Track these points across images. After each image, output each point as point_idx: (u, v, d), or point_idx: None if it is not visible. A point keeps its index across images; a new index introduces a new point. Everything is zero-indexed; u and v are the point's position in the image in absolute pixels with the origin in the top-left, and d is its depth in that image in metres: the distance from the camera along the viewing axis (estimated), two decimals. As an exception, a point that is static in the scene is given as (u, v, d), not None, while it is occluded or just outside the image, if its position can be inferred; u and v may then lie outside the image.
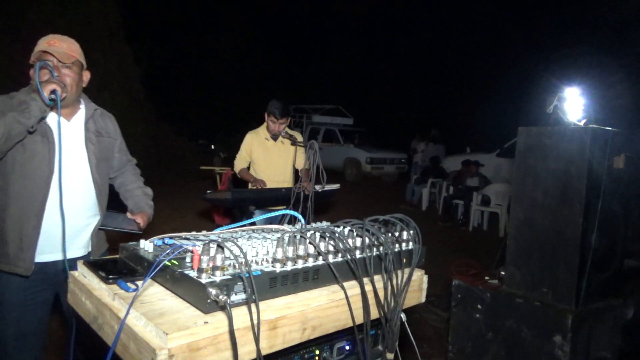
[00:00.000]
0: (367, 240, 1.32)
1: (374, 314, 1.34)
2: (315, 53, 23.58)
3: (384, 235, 1.33)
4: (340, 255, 1.27)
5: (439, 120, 16.44)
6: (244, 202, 4.02)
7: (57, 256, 2.21)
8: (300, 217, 1.37)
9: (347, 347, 1.40)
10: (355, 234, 1.34)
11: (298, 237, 1.21)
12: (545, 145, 3.13)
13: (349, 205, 11.29)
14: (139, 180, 2.69)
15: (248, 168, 4.67)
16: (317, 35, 23.31)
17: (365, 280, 1.30)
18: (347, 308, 1.23)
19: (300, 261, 1.21)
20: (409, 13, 20.09)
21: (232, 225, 1.49)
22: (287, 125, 4.55)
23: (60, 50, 2.10)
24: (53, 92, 1.93)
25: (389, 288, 1.31)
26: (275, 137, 4.57)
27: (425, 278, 1.51)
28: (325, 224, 1.55)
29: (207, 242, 1.08)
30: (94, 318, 1.19)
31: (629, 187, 3.25)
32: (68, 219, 2.04)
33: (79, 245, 2.33)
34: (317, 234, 1.27)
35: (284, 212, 1.47)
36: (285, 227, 1.39)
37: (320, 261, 1.24)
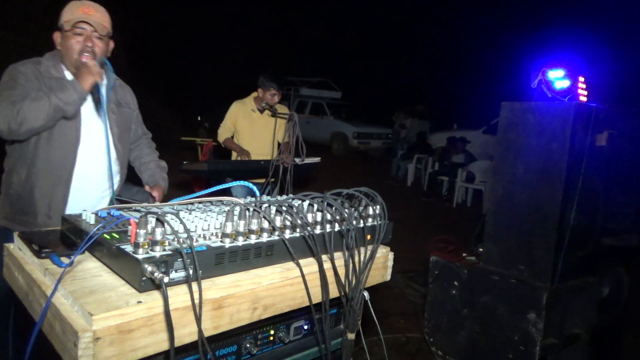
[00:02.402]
0: (327, 215, 1.23)
1: (335, 292, 1.27)
2: (305, 23, 23.12)
3: (346, 210, 1.24)
4: (298, 230, 1.19)
5: (427, 96, 16.33)
6: (220, 173, 3.92)
7: None
8: (254, 188, 1.27)
9: (306, 327, 1.33)
10: (315, 208, 1.26)
11: (251, 210, 1.12)
12: (528, 121, 3.05)
13: (333, 179, 11.21)
14: (154, 154, 2.66)
15: (232, 138, 4.56)
16: (307, 5, 22.81)
17: (326, 257, 1.22)
18: (304, 286, 1.15)
19: (253, 236, 1.12)
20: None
21: (192, 195, 1.40)
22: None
23: (97, 20, 2.08)
24: (96, 87, 1.97)
25: (350, 266, 1.24)
26: (261, 110, 4.46)
27: (390, 255, 1.44)
28: (285, 197, 1.46)
29: (144, 214, 0.99)
30: (25, 294, 1.10)
31: (610, 165, 3.20)
32: (91, 187, 2.13)
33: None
34: (273, 208, 1.18)
35: (234, 183, 1.36)
36: (240, 199, 1.30)
37: (275, 237, 1.15)
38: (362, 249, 1.29)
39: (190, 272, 0.96)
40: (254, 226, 1.12)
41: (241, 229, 1.09)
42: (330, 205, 1.24)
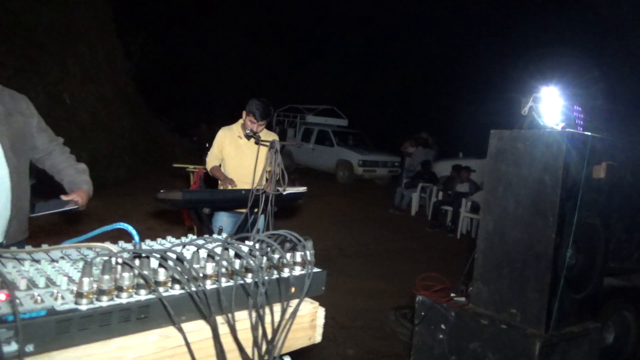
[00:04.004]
0: (225, 264, 1.00)
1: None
2: (313, 52, 23.28)
3: (253, 258, 1.02)
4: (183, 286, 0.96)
5: (433, 124, 16.14)
6: (196, 203, 3.72)
7: None
8: (133, 232, 1.06)
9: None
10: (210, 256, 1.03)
11: (118, 261, 0.90)
12: (518, 150, 2.82)
13: (335, 208, 10.98)
14: (70, 159, 2.53)
15: (220, 166, 4.38)
16: (315, 34, 23.00)
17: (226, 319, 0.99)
18: (190, 357, 0.92)
19: (124, 295, 0.90)
20: (405, 14, 19.78)
21: (78, 239, 1.18)
22: (265, 126, 4.27)
23: None
24: None
25: (260, 329, 1.00)
26: (248, 136, 4.28)
27: (320, 312, 1.20)
28: (172, 241, 1.23)
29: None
30: None
31: (610, 199, 2.95)
32: None
33: None
34: (151, 258, 0.95)
35: (115, 226, 1.13)
36: (112, 246, 1.08)
37: (153, 295, 0.93)
38: (280, 306, 1.06)
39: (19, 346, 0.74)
40: (127, 282, 0.90)
41: (107, 285, 0.87)
42: (238, 252, 1.01)
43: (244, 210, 3.93)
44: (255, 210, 3.62)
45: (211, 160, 4.29)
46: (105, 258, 0.89)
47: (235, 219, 4.17)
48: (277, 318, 1.06)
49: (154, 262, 0.97)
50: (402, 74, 20.28)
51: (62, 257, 1.12)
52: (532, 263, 2.69)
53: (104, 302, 0.88)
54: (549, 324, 2.67)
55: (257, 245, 1.11)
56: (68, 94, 10.22)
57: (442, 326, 3.07)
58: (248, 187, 4.06)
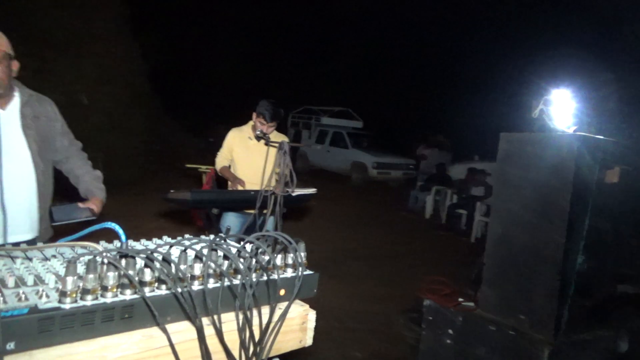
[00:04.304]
0: (212, 266, 1.00)
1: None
2: (328, 53, 23.27)
3: (242, 260, 1.01)
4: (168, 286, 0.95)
5: (449, 126, 16.01)
6: (205, 203, 3.73)
7: (3, 239, 2.28)
8: (120, 231, 1.06)
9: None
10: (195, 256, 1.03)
11: (103, 260, 0.90)
12: (527, 154, 2.77)
13: (348, 210, 10.96)
14: (87, 165, 2.68)
15: (229, 167, 4.40)
16: (330, 35, 23.00)
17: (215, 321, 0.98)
18: (174, 358, 0.91)
19: (109, 294, 0.90)
20: (422, 16, 19.67)
21: (71, 237, 1.19)
22: (275, 128, 4.27)
23: None
24: None
25: (247, 331, 0.99)
26: (258, 137, 4.28)
27: (311, 315, 1.18)
28: (158, 242, 1.23)
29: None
30: None
31: (623, 204, 2.88)
32: (13, 203, 2.18)
33: (26, 230, 2.36)
34: (137, 258, 0.95)
35: (104, 225, 1.14)
36: (97, 245, 1.08)
37: (138, 294, 0.92)
38: (269, 308, 1.05)
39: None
40: (112, 281, 0.90)
41: (91, 284, 0.87)
42: (223, 252, 1.01)
43: (252, 211, 3.94)
44: (265, 211, 3.62)
45: (220, 160, 4.30)
46: (90, 257, 0.88)
47: (243, 220, 4.18)
48: (266, 320, 1.05)
49: (142, 262, 0.97)
50: (418, 75, 20.17)
51: (54, 256, 1.13)
52: (540, 268, 2.64)
53: (88, 301, 0.88)
54: (558, 330, 2.62)
55: (247, 247, 1.10)
56: (84, 94, 10.36)
57: (449, 331, 3.03)
58: (257, 188, 4.07)
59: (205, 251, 1.01)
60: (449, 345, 3.03)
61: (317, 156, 16.57)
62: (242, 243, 1.11)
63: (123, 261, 0.93)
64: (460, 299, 3.09)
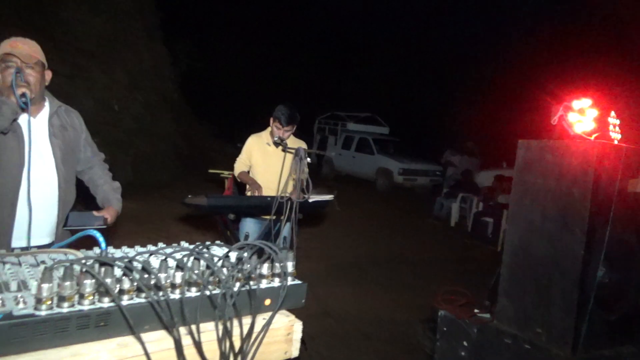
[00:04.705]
0: (193, 274, 0.99)
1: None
2: (355, 59, 23.26)
3: (225, 269, 1.00)
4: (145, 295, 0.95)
5: (476, 132, 15.74)
6: (221, 209, 3.76)
7: (23, 242, 2.31)
8: (100, 238, 1.06)
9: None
10: (191, 263, 1.02)
11: (79, 268, 0.90)
12: (546, 161, 2.69)
13: (372, 216, 10.89)
14: (107, 175, 2.78)
15: (248, 172, 4.42)
16: (357, 41, 23.00)
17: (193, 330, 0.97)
18: (150, 367, 0.91)
19: (86, 302, 0.90)
20: (448, 22, 19.50)
21: (61, 243, 1.20)
22: (292, 132, 4.28)
23: (23, 51, 2.21)
24: (23, 95, 2.08)
25: (227, 341, 0.98)
26: (276, 143, 4.30)
27: (297, 326, 1.16)
28: (140, 249, 1.23)
29: None
30: None
31: (648, 214, 2.75)
32: (36, 208, 2.21)
33: (45, 233, 2.43)
34: (114, 266, 0.95)
35: (85, 232, 1.14)
36: (77, 252, 1.08)
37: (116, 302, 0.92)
38: (252, 319, 1.03)
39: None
40: (89, 288, 0.90)
41: (67, 291, 0.87)
42: (200, 260, 1.00)
43: (266, 217, 3.96)
44: (282, 217, 3.62)
45: (239, 166, 4.33)
46: (66, 264, 0.89)
47: (261, 226, 4.19)
48: (255, 329, 1.04)
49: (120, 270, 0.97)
50: (445, 81, 19.94)
51: (43, 262, 1.14)
52: (558, 280, 2.55)
53: (64, 308, 0.88)
54: (577, 345, 2.52)
55: (232, 255, 1.09)
56: (115, 100, 10.63)
57: (464, 343, 2.95)
58: (275, 194, 4.08)
59: (185, 260, 1.00)
60: (463, 357, 2.95)
61: (343, 162, 16.56)
62: (224, 252, 1.10)
63: (102, 269, 0.93)
64: (475, 310, 3.00)
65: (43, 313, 0.86)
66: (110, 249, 1.17)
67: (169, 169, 11.78)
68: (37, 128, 2.35)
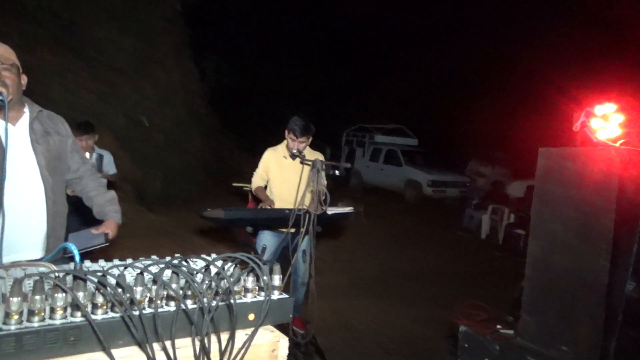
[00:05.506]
0: (170, 288, 0.96)
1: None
2: (383, 71, 23.23)
3: (197, 283, 0.97)
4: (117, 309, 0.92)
5: (507, 143, 15.40)
6: (239, 222, 3.75)
7: (10, 257, 2.16)
8: (75, 251, 1.04)
9: None
10: (171, 277, 0.99)
11: (49, 282, 0.89)
12: (568, 170, 2.58)
13: (400, 228, 10.73)
14: (100, 186, 2.64)
15: (266, 187, 4.41)
16: (384, 52, 22.98)
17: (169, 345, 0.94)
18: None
19: (58, 316, 0.88)
20: (474, 32, 19.27)
21: (48, 257, 1.19)
22: (308, 144, 4.25)
23: None
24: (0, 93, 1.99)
25: (203, 359, 0.95)
26: (293, 155, 4.29)
27: (283, 342, 1.11)
28: (117, 262, 1.20)
29: None
30: None
31: (680, 224, 2.60)
32: (21, 220, 2.15)
33: (34, 247, 2.29)
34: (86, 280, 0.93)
35: (62, 246, 1.12)
36: (50, 265, 1.07)
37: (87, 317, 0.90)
38: (242, 334, 1.00)
39: None
40: (60, 302, 0.88)
41: (38, 305, 0.86)
42: (178, 273, 0.97)
43: (284, 230, 3.92)
44: (301, 230, 3.58)
45: (256, 180, 4.33)
46: (36, 278, 0.87)
47: (279, 238, 4.16)
48: (236, 345, 1.00)
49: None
50: (474, 91, 19.67)
51: (28, 276, 1.13)
52: (583, 295, 2.42)
53: (35, 322, 0.86)
54: (604, 364, 2.38)
55: (212, 269, 1.06)
56: (145, 116, 10.88)
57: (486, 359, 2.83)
58: (292, 206, 4.04)
59: (164, 273, 0.98)
60: (485, 375, 2.83)
61: (371, 174, 16.46)
62: (202, 266, 1.06)
63: (78, 283, 0.91)
64: (498, 326, 2.88)
65: (12, 327, 0.84)
66: (87, 263, 1.15)
67: (198, 183, 11.93)
68: (17, 135, 2.23)
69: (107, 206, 2.53)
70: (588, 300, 2.41)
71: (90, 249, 2.23)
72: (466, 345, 2.97)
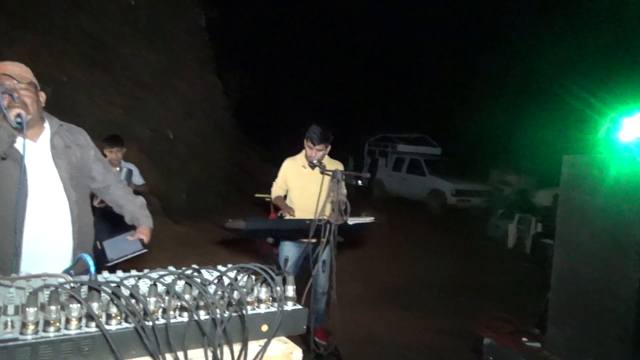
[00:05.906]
0: (182, 299, 0.96)
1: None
2: (405, 80, 23.19)
3: (215, 294, 0.97)
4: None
5: (534, 150, 15.14)
6: (260, 233, 3.76)
7: (38, 269, 2.17)
8: (90, 262, 1.05)
9: None
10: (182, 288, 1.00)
11: (63, 292, 0.90)
12: (594, 177, 2.51)
13: (423, 238, 10.61)
14: (128, 194, 2.66)
15: (286, 197, 4.43)
16: (407, 62, 22.94)
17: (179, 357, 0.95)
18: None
19: (73, 326, 0.89)
20: (497, 42, 19.08)
21: (68, 268, 1.21)
22: (326, 152, 4.25)
23: (15, 72, 2.18)
24: (18, 115, 2.01)
25: (216, 367, 0.95)
26: (312, 165, 4.29)
27: (297, 353, 1.10)
28: (125, 274, 1.21)
29: None
30: None
31: None
32: (47, 235, 2.18)
33: (62, 261, 2.28)
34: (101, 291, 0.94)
35: (79, 257, 1.14)
36: (65, 276, 1.08)
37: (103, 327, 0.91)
38: (255, 345, 0.99)
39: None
40: (75, 313, 0.89)
41: (53, 315, 0.87)
42: (191, 284, 0.97)
43: (305, 240, 3.91)
44: (322, 240, 3.57)
45: (275, 190, 4.35)
46: (52, 289, 0.89)
47: (299, 249, 4.16)
48: (249, 357, 1.00)
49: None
50: (498, 99, 19.43)
51: (46, 286, 1.16)
52: (611, 307, 2.35)
53: (50, 332, 0.88)
54: (636, 379, 2.29)
55: (225, 280, 1.06)
56: (170, 129, 11.07)
57: (511, 373, 2.76)
58: (312, 216, 4.03)
59: (178, 284, 0.98)
60: (511, 389, 2.76)
61: (394, 184, 16.36)
62: (215, 276, 1.07)
63: (92, 294, 0.93)
64: (524, 339, 2.81)
65: (29, 337, 0.85)
66: (105, 274, 1.17)
67: (222, 194, 12.05)
68: (39, 151, 2.26)
69: (139, 212, 2.55)
70: (617, 312, 2.33)
71: (130, 257, 2.26)
72: (491, 358, 2.90)
